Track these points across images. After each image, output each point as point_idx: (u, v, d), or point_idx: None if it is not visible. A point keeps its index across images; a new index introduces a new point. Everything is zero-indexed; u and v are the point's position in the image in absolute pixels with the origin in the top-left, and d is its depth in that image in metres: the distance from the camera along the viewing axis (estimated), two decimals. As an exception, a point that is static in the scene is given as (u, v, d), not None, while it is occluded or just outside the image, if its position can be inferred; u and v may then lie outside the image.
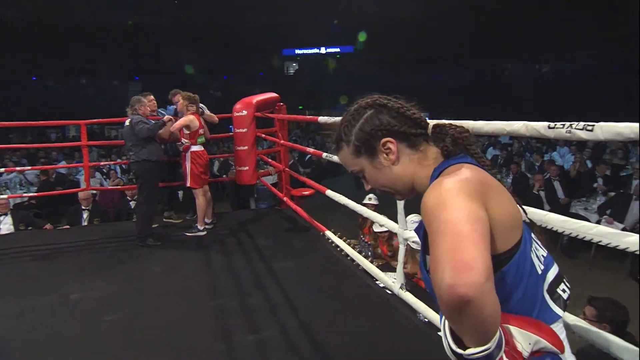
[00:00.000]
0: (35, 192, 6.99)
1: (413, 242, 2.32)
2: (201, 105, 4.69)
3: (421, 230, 0.85)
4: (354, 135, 0.89)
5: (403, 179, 0.88)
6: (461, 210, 0.65)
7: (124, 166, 9.45)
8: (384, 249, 4.45)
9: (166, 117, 4.30)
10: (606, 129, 1.06)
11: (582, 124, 1.11)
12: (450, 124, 0.89)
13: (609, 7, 17.10)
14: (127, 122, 4.12)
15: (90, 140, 5.99)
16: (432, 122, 0.90)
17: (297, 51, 27.25)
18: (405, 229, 2.41)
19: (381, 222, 2.70)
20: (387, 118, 0.86)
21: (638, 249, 1.05)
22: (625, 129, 1.00)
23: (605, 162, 7.88)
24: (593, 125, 1.08)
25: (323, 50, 27.04)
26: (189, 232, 4.38)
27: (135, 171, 4.18)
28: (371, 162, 0.89)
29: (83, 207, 5.50)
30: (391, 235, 4.35)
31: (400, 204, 2.34)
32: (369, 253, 4.48)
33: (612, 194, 6.36)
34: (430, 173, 0.84)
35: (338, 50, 26.89)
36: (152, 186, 4.19)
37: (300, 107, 22.78)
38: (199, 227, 4.37)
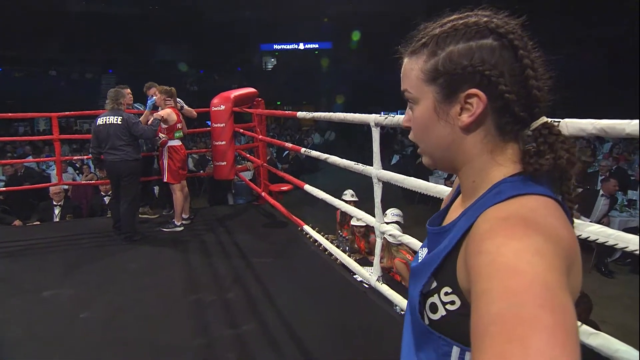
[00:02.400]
0: (3, 187, 6.75)
1: (389, 235, 2.37)
2: (179, 100, 4.63)
3: (440, 255, 0.60)
4: (446, 53, 0.59)
5: (456, 153, 0.62)
6: (557, 307, 0.42)
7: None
8: (361, 245, 4.51)
9: (157, 114, 4.16)
10: (571, 125, 1.13)
11: (549, 120, 1.16)
12: (566, 137, 0.59)
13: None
14: (114, 120, 3.87)
15: (61, 134, 5.81)
16: (544, 118, 0.59)
17: (276, 46, 27.11)
18: (382, 223, 2.46)
19: (359, 217, 2.75)
20: (504, 68, 0.57)
21: (638, 248, 1.10)
22: (588, 125, 1.07)
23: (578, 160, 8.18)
24: (559, 122, 1.14)
25: (301, 46, 26.99)
26: (165, 227, 4.33)
27: (124, 171, 3.92)
28: (438, 102, 0.60)
29: (55, 203, 5.35)
30: (368, 231, 4.42)
31: (378, 198, 2.39)
32: (347, 248, 4.54)
33: (580, 190, 6.63)
34: (497, 178, 0.59)
35: (316, 46, 26.89)
36: (138, 184, 4.12)
37: (279, 103, 22.68)
38: (176, 222, 4.33)
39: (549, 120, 0.59)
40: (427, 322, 0.60)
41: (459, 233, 0.58)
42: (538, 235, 0.48)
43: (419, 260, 0.70)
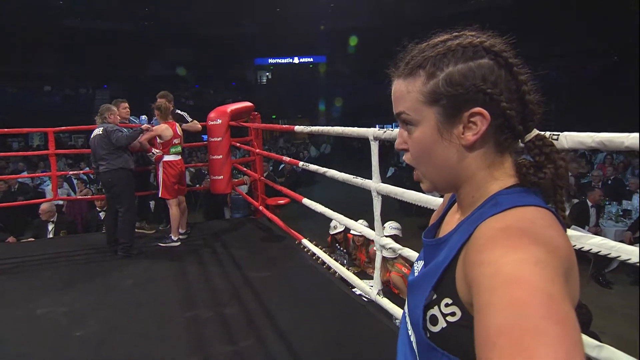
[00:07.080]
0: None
1: (389, 248, 2.37)
2: (183, 113, 4.68)
3: (440, 268, 0.60)
4: (446, 74, 0.59)
5: (459, 171, 0.62)
6: (562, 317, 0.43)
7: (91, 176, 9.11)
8: (361, 255, 4.51)
9: (144, 125, 4.22)
10: (570, 138, 1.14)
11: (548, 133, 1.17)
12: (558, 149, 0.62)
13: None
14: (98, 131, 3.98)
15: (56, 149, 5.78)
16: (535, 131, 0.62)
17: (270, 60, 27.35)
18: (382, 236, 2.45)
19: (357, 229, 2.74)
20: (503, 86, 0.59)
21: (639, 259, 1.10)
22: (587, 138, 1.08)
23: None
24: (558, 135, 1.15)
25: (296, 60, 27.25)
26: (162, 242, 4.29)
27: (110, 181, 3.97)
28: (441, 123, 0.61)
29: (47, 219, 5.29)
30: (367, 241, 4.41)
31: (377, 211, 2.39)
32: (345, 261, 4.51)
33: (575, 201, 6.65)
34: (494, 190, 0.61)
35: (311, 60, 27.16)
36: (131, 194, 4.10)
37: (274, 117, 22.78)
38: (172, 237, 4.29)
39: (541, 132, 0.62)
40: (427, 334, 0.60)
41: (458, 244, 0.58)
42: (538, 246, 0.49)
43: (416, 274, 0.70)
